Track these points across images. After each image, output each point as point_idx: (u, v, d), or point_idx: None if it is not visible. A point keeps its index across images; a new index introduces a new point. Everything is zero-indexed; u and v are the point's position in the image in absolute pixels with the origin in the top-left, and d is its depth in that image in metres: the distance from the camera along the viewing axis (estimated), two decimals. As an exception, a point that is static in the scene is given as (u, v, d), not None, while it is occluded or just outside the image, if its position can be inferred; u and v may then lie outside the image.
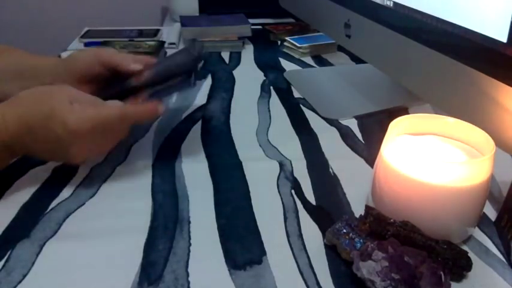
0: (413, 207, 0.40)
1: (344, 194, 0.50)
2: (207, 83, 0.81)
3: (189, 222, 0.45)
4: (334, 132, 0.63)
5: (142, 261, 0.40)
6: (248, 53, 0.98)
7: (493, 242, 0.43)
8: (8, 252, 0.41)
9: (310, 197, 0.49)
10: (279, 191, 0.50)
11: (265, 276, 0.39)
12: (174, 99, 0.73)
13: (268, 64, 0.91)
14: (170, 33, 1.08)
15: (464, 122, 0.44)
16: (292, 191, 0.50)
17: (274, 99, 0.74)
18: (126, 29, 1.06)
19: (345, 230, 0.41)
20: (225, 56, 0.97)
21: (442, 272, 0.35)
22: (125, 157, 0.56)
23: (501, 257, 0.41)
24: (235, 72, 0.86)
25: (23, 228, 0.44)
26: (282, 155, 0.57)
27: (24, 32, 1.56)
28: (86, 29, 1.07)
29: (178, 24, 1.13)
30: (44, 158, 0.51)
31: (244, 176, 0.53)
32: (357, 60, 0.93)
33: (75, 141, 0.45)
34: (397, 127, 0.44)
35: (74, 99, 0.46)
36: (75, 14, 1.54)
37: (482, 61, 0.43)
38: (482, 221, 0.45)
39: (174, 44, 1.01)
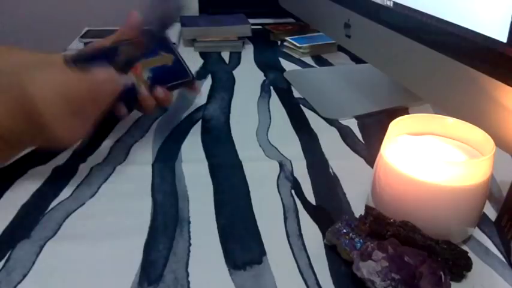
0: (413, 207, 0.40)
1: (344, 194, 0.50)
2: (207, 83, 0.81)
3: (189, 222, 0.45)
4: (334, 132, 0.63)
5: (142, 261, 0.40)
6: (248, 53, 0.98)
7: (493, 242, 0.43)
8: (8, 252, 0.41)
9: (310, 197, 0.49)
10: (279, 191, 0.50)
11: (265, 276, 0.39)
12: (174, 98, 0.73)
13: (268, 64, 0.91)
14: (170, 33, 1.08)
15: (464, 122, 0.44)
16: (292, 191, 0.50)
17: (274, 99, 0.74)
18: (126, 29, 1.06)
19: (345, 230, 0.41)
20: (225, 56, 0.97)
21: (442, 272, 0.35)
22: (125, 157, 0.56)
23: (501, 257, 0.41)
24: (235, 72, 0.86)
25: (23, 228, 0.44)
26: (282, 155, 0.57)
27: (24, 32, 1.56)
28: (86, 29, 1.07)
29: (178, 24, 1.13)
30: (34, 140, 0.50)
31: (244, 176, 0.53)
32: (357, 60, 0.93)
33: (50, 107, 0.44)
34: (397, 127, 0.44)
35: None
36: (75, 14, 1.54)
37: (482, 61, 0.43)
38: (482, 221, 0.45)
39: (174, 44, 1.00)
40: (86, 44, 0.97)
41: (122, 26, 0.58)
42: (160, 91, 0.57)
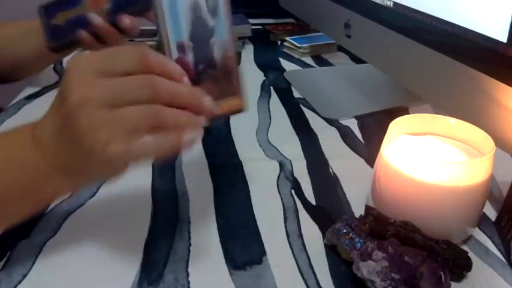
0: (413, 207, 0.40)
1: (344, 194, 0.50)
2: (207, 83, 0.81)
3: (189, 222, 0.45)
4: (334, 132, 0.63)
5: (142, 261, 0.40)
6: (248, 53, 0.98)
7: (493, 242, 0.43)
8: (8, 252, 0.41)
9: (310, 197, 0.49)
10: (279, 191, 0.50)
11: (265, 276, 0.39)
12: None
13: (268, 64, 0.91)
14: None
15: (464, 122, 0.44)
16: (292, 191, 0.50)
17: (274, 99, 0.74)
18: (126, 29, 1.06)
19: (345, 230, 0.41)
20: (225, 56, 0.96)
21: (442, 272, 0.35)
22: (125, 157, 0.56)
23: (501, 257, 0.41)
24: (235, 72, 0.86)
25: (23, 228, 0.43)
26: (282, 155, 0.57)
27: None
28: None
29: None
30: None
31: (244, 176, 0.53)
32: (357, 60, 0.93)
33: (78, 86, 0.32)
34: (397, 127, 0.44)
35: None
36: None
37: (482, 61, 0.43)
38: (482, 221, 0.45)
39: None
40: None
41: None
42: (123, 20, 0.58)
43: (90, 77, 0.32)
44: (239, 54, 0.97)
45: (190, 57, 0.38)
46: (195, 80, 0.38)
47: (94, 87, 0.32)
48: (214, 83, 0.40)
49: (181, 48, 0.38)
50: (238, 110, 0.42)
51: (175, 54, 0.37)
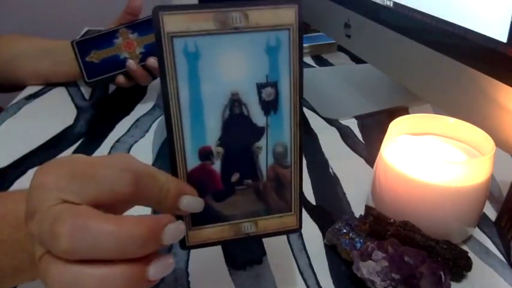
0: (413, 207, 0.40)
1: (344, 194, 0.50)
2: (207, 83, 0.81)
3: (189, 222, 0.45)
4: (334, 132, 0.63)
5: (142, 261, 0.40)
6: (248, 53, 0.98)
7: (493, 242, 0.43)
8: (8, 252, 0.40)
9: (310, 197, 0.49)
10: (279, 191, 0.50)
11: (265, 276, 0.39)
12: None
13: (268, 64, 0.91)
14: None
15: (464, 122, 0.44)
16: (292, 191, 0.50)
17: (274, 99, 0.74)
18: (126, 29, 1.06)
19: (345, 230, 0.41)
20: (225, 56, 0.96)
21: (442, 272, 0.35)
22: (125, 157, 0.56)
23: (501, 257, 0.41)
24: (235, 72, 0.86)
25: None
26: (282, 155, 0.57)
27: (24, 32, 1.55)
28: (86, 29, 1.07)
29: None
30: None
31: (244, 176, 0.53)
32: (357, 60, 0.93)
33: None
34: (397, 127, 0.44)
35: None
36: (75, 14, 1.54)
37: (482, 61, 0.43)
38: (482, 221, 0.45)
39: None
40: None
41: (124, 10, 0.66)
42: (151, 60, 0.66)
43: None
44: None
45: (217, 166, 0.30)
46: (225, 193, 0.31)
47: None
48: (257, 196, 0.31)
49: (205, 154, 0.30)
50: (288, 231, 0.33)
51: (194, 161, 0.30)
